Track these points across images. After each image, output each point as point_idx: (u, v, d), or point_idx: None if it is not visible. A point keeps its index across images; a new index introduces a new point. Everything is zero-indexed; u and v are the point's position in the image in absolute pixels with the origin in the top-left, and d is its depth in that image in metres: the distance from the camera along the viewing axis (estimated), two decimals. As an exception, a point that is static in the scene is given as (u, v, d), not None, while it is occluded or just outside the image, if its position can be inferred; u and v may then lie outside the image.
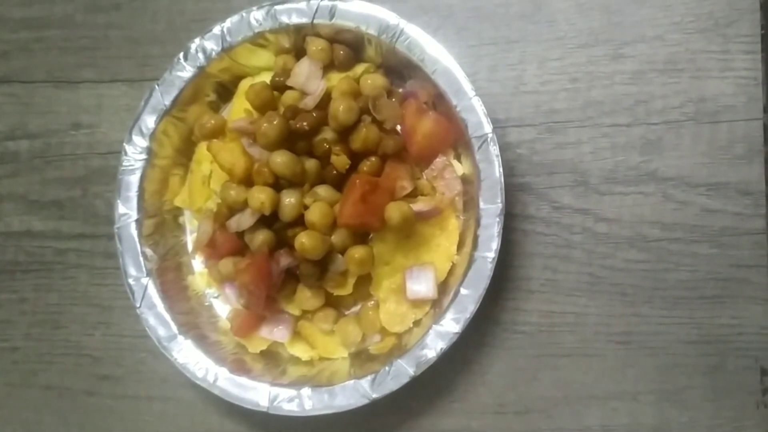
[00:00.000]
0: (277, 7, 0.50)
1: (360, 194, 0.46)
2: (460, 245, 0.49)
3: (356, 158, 0.49)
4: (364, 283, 0.50)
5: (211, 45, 0.51)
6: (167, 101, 0.51)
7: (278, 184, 0.48)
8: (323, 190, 0.48)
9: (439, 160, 0.50)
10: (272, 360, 0.51)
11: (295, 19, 0.50)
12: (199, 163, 0.53)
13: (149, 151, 0.51)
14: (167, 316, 0.50)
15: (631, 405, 0.51)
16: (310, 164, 0.48)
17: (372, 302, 0.50)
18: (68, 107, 0.57)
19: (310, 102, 0.49)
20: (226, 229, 0.50)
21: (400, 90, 0.51)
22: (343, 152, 0.48)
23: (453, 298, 0.47)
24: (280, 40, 0.51)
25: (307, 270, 0.48)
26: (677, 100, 0.51)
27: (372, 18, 0.49)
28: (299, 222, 0.48)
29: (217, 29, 0.51)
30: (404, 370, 0.47)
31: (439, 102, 0.49)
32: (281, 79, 0.50)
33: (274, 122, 0.47)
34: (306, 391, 0.48)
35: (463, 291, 0.47)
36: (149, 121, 0.51)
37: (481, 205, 0.47)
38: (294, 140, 0.48)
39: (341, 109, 0.47)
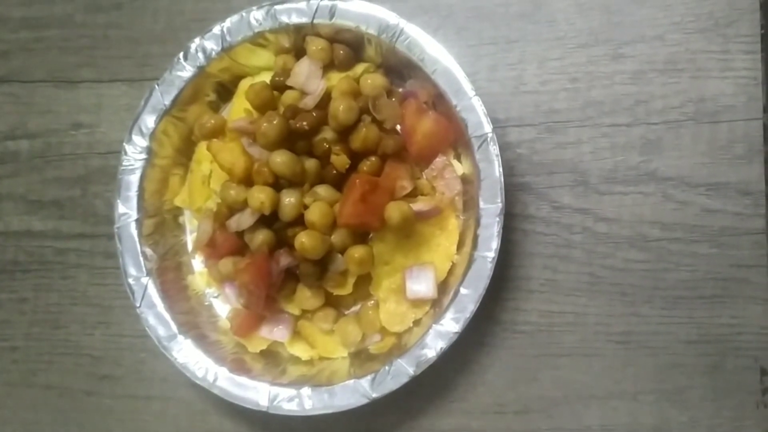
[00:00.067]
0: (277, 7, 0.50)
1: (360, 194, 0.46)
2: (460, 245, 0.49)
3: (356, 158, 0.49)
4: (364, 282, 0.50)
5: (211, 45, 0.51)
6: (167, 101, 0.51)
7: (278, 183, 0.48)
8: (323, 190, 0.48)
9: (439, 160, 0.50)
10: (272, 359, 0.51)
11: (295, 19, 0.50)
12: (199, 162, 0.53)
13: (149, 151, 0.51)
14: (167, 316, 0.50)
15: (631, 405, 0.51)
16: (310, 164, 0.48)
17: (372, 302, 0.50)
18: (68, 107, 0.57)
19: (309, 102, 0.49)
20: (226, 228, 0.50)
21: (400, 90, 0.51)
22: (343, 152, 0.48)
23: (453, 298, 0.47)
24: (280, 39, 0.51)
25: (307, 270, 0.48)
26: (677, 100, 0.51)
27: (372, 18, 0.49)
28: (299, 222, 0.48)
29: (217, 29, 0.51)
30: (404, 369, 0.47)
31: (438, 102, 0.49)
32: (281, 78, 0.50)
33: (274, 122, 0.47)
34: (306, 390, 0.48)
35: (462, 291, 0.47)
36: (149, 120, 0.51)
37: (481, 204, 0.47)
38: (294, 140, 0.48)
39: (341, 108, 0.47)
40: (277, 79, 0.51)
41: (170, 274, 0.52)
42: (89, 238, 0.56)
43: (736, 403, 0.50)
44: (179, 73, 0.51)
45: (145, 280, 0.50)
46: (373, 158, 0.49)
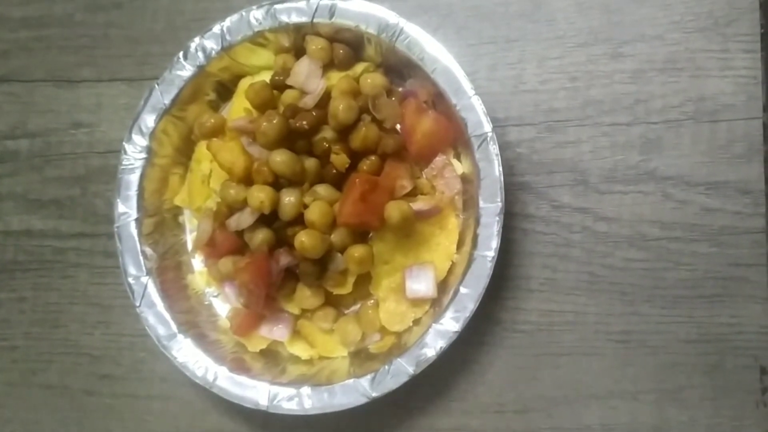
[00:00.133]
0: (277, 6, 0.50)
1: (360, 193, 0.46)
2: (460, 244, 0.49)
3: (356, 157, 0.49)
4: (364, 282, 0.50)
5: (211, 44, 0.51)
6: (167, 100, 0.51)
7: (278, 183, 0.48)
8: (323, 189, 0.48)
9: (439, 159, 0.50)
10: (272, 359, 0.51)
11: (295, 18, 0.50)
12: (199, 162, 0.53)
13: (149, 150, 0.51)
14: (167, 315, 0.50)
15: (631, 404, 0.51)
16: (310, 163, 0.48)
17: (371, 301, 0.50)
18: (68, 106, 0.57)
19: (309, 101, 0.49)
20: (226, 228, 0.50)
21: (400, 89, 0.51)
22: (343, 151, 0.48)
23: (452, 297, 0.47)
24: (279, 39, 0.51)
25: (307, 269, 0.48)
26: (677, 99, 0.51)
27: (372, 17, 0.49)
28: (299, 221, 0.48)
29: (216, 28, 0.51)
30: (404, 369, 0.47)
31: (438, 101, 0.49)
32: (281, 78, 0.50)
33: (274, 121, 0.47)
34: (305, 390, 0.48)
35: (462, 290, 0.47)
36: (149, 120, 0.51)
37: (481, 204, 0.47)
38: (294, 139, 0.48)
39: (341, 108, 0.47)
40: (276, 78, 0.51)
41: (170, 274, 0.52)
42: (89, 237, 0.56)
43: (736, 403, 0.50)
44: (179, 73, 0.51)
45: (144, 279, 0.50)
46: (372, 157, 0.49)
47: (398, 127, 0.50)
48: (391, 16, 0.49)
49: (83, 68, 0.57)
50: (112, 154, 0.55)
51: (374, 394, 0.47)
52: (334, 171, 0.48)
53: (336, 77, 0.50)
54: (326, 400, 0.48)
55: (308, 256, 0.47)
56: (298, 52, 0.52)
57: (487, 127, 0.47)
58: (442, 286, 0.49)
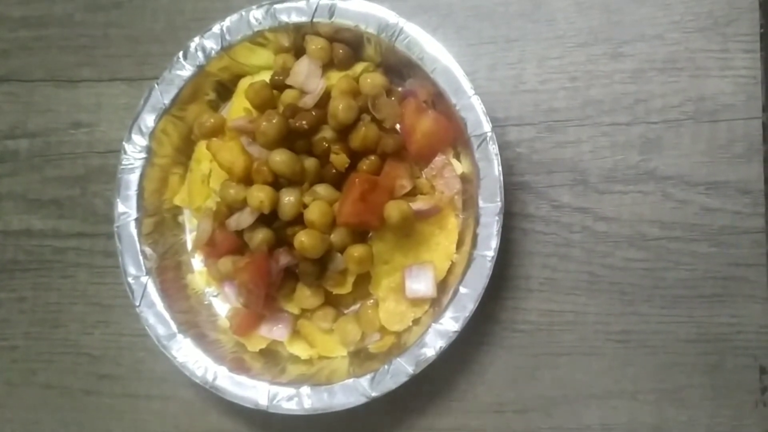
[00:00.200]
0: (277, 6, 0.50)
1: (359, 193, 0.46)
2: (460, 244, 0.49)
3: (355, 157, 0.49)
4: (364, 281, 0.50)
5: (211, 44, 0.51)
6: (167, 100, 0.51)
7: (277, 182, 0.48)
8: (322, 189, 0.48)
9: (439, 159, 0.50)
10: (271, 359, 0.51)
11: (295, 18, 0.50)
12: (199, 161, 0.53)
13: (149, 150, 0.51)
14: (166, 315, 0.50)
15: (631, 404, 0.51)
16: (310, 163, 0.48)
17: (371, 301, 0.50)
18: (67, 106, 0.57)
19: (309, 101, 0.49)
20: (226, 227, 0.50)
21: (400, 89, 0.51)
22: (343, 151, 0.48)
23: (452, 297, 0.47)
24: (279, 38, 0.51)
25: (307, 269, 0.48)
26: (677, 98, 0.51)
27: (371, 17, 0.49)
28: (298, 221, 0.48)
29: (216, 28, 0.51)
30: (403, 368, 0.47)
31: (438, 101, 0.49)
32: (281, 77, 0.50)
33: (274, 121, 0.47)
34: (305, 389, 0.48)
35: (462, 290, 0.47)
36: (149, 119, 0.51)
37: (481, 203, 0.47)
38: (293, 139, 0.48)
39: (341, 107, 0.47)
40: (276, 78, 0.51)
41: (170, 273, 0.52)
42: (89, 237, 0.56)
43: (736, 402, 0.50)
44: (179, 72, 0.51)
45: (144, 279, 0.50)
46: (372, 157, 0.49)
47: (398, 126, 0.50)
48: (390, 16, 0.49)
49: (83, 68, 0.57)
50: (111, 154, 0.55)
51: (374, 394, 0.47)
52: (334, 171, 0.48)
53: (336, 77, 0.50)
54: (326, 399, 0.48)
55: (308, 256, 0.47)
56: (298, 51, 0.52)
57: (487, 127, 0.47)
58: (442, 285, 0.49)
